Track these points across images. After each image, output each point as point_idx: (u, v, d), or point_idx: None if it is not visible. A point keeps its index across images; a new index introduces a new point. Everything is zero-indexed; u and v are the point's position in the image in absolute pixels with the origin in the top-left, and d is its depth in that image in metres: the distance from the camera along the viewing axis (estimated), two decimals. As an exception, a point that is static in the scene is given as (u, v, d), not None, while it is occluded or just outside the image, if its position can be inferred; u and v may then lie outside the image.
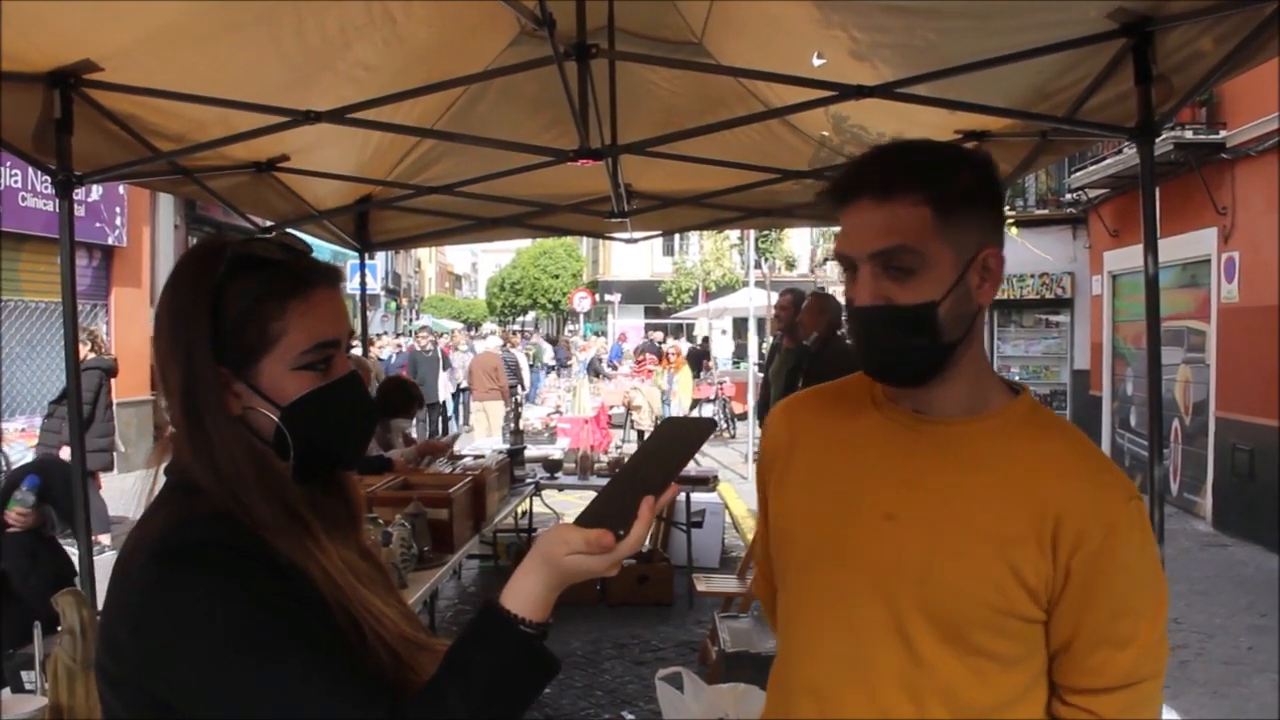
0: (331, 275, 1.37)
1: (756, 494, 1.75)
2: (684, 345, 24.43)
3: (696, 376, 22.47)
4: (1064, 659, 1.43)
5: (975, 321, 1.46)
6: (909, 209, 1.38)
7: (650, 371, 19.78)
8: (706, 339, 28.36)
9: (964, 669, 1.41)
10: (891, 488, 1.46)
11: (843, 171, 1.47)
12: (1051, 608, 1.41)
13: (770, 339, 13.88)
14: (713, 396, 19.74)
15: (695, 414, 17.11)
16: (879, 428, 1.52)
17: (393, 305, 40.58)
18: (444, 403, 18.75)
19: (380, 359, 17.20)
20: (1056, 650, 1.43)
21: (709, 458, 14.62)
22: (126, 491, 9.44)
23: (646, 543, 7.87)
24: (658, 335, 25.55)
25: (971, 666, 1.41)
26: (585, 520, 1.25)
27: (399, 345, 19.92)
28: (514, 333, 28.42)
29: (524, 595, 1.23)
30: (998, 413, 1.48)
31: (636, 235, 6.67)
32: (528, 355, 25.40)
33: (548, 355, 29.67)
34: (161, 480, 1.35)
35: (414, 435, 7.08)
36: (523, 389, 17.16)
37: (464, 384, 19.28)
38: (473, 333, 28.03)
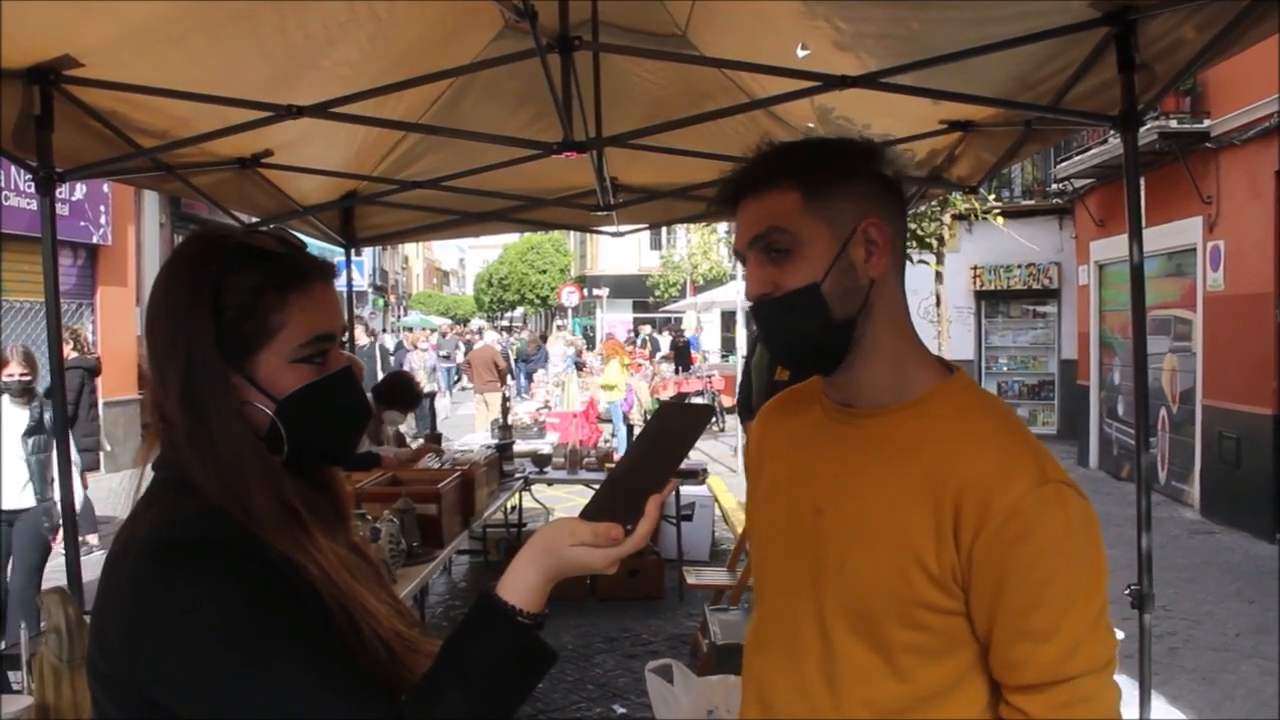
0: (327, 270, 1.37)
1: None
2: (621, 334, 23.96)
3: (685, 370, 22.49)
4: (991, 654, 1.39)
5: (872, 296, 1.45)
6: (779, 195, 1.44)
7: (639, 366, 19.76)
8: (682, 333, 28.23)
9: (877, 660, 1.41)
10: (823, 483, 1.49)
11: (725, 182, 1.53)
12: (967, 597, 1.37)
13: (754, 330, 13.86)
14: (701, 390, 19.76)
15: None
16: (819, 424, 1.56)
17: (380, 302, 40.53)
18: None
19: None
20: (984, 644, 1.39)
21: (698, 450, 14.63)
22: (114, 491, 9.40)
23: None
24: (644, 327, 25.52)
25: (885, 658, 1.41)
26: (590, 514, 1.25)
27: None
28: (503, 329, 28.47)
29: (521, 586, 1.23)
30: (924, 397, 1.47)
31: (623, 228, 6.65)
32: (512, 350, 25.38)
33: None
34: (149, 477, 1.34)
35: (404, 431, 7.06)
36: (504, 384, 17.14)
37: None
38: (462, 328, 28.04)
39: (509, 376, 19.38)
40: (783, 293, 1.44)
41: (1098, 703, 1.35)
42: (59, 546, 4.19)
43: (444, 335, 28.82)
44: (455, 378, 25.90)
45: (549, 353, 24.21)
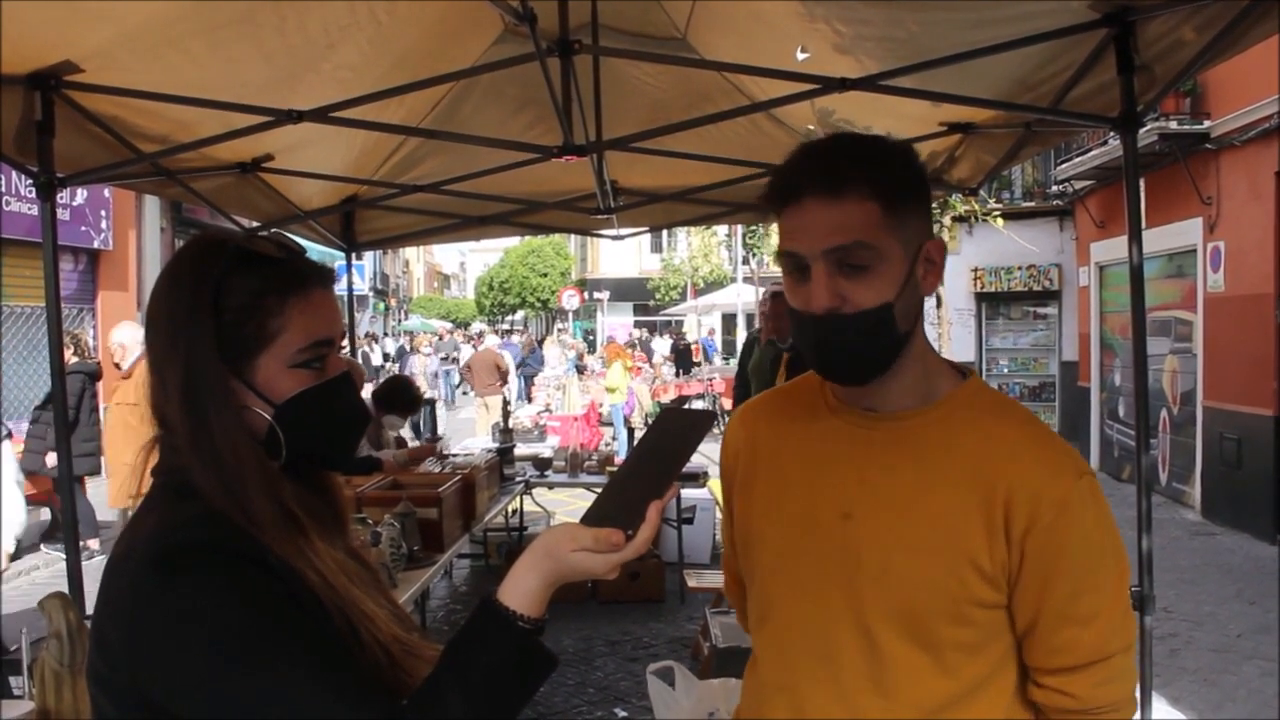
0: (327, 276, 1.38)
1: (722, 500, 1.77)
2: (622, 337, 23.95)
3: (686, 373, 22.50)
4: (1030, 640, 1.44)
5: (921, 311, 1.49)
6: (859, 205, 1.37)
7: (639, 369, 19.75)
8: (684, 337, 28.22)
9: (927, 660, 1.43)
10: (848, 487, 1.48)
11: (784, 170, 1.44)
12: (1011, 591, 1.42)
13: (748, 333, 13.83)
14: (703, 393, 19.75)
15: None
16: (834, 430, 1.54)
17: (381, 306, 40.54)
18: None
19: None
20: (1023, 632, 1.44)
21: (699, 453, 14.60)
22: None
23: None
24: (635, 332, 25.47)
25: (934, 657, 1.43)
26: (591, 520, 1.25)
27: None
28: (504, 332, 28.50)
29: (522, 591, 1.23)
30: (945, 400, 1.49)
31: (623, 232, 6.66)
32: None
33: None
34: (148, 482, 1.34)
35: (405, 436, 7.06)
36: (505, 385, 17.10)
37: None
38: (464, 332, 28.03)
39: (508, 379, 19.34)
40: (855, 310, 1.38)
41: (1128, 678, 1.46)
42: (60, 551, 4.16)
43: (441, 338, 28.79)
44: (457, 382, 25.88)
45: (543, 356, 24.14)
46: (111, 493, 7.31)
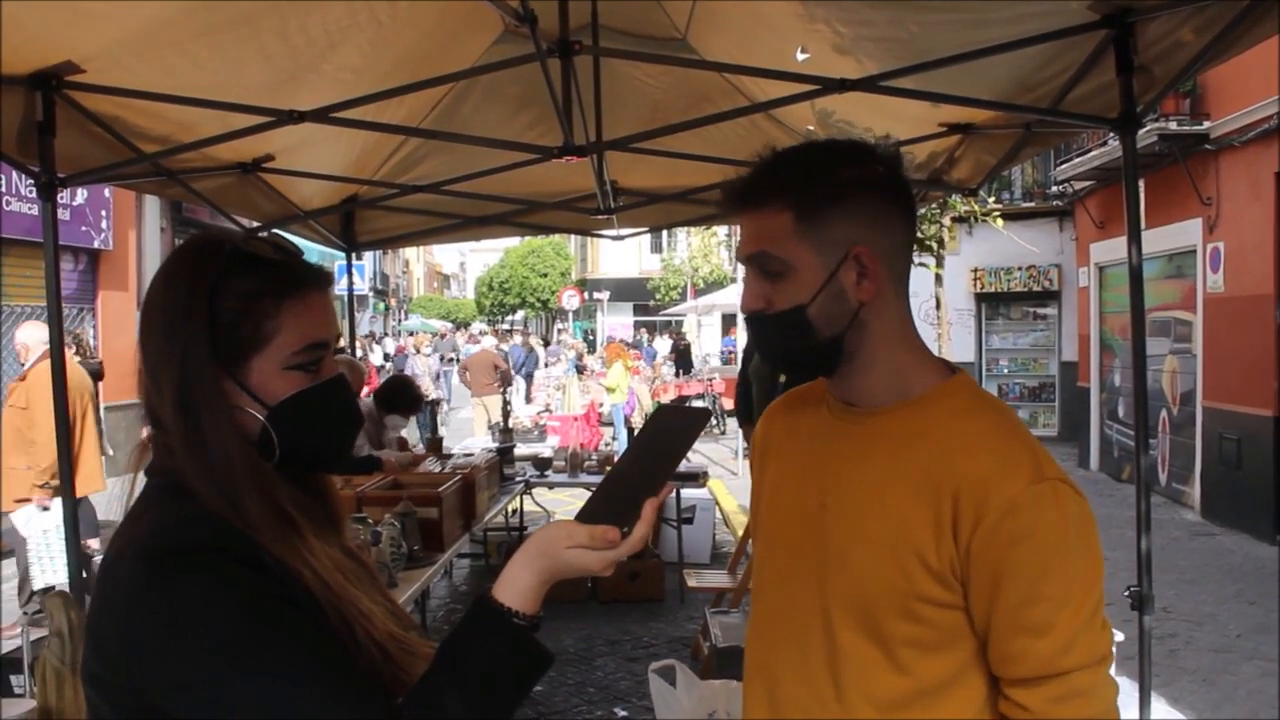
0: (323, 278, 1.38)
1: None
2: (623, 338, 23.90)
3: (686, 374, 22.49)
4: (989, 648, 1.40)
5: (863, 315, 1.47)
6: (773, 216, 1.46)
7: (637, 369, 19.74)
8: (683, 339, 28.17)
9: (877, 653, 1.43)
10: (826, 479, 1.52)
11: (731, 183, 1.54)
12: (965, 591, 1.39)
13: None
14: (702, 393, 19.76)
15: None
16: (824, 423, 1.58)
17: (381, 306, 40.52)
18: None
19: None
20: (982, 638, 1.41)
21: (699, 453, 14.63)
22: (115, 495, 9.40)
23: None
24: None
25: (885, 651, 1.43)
26: (586, 517, 1.26)
27: None
28: (505, 332, 28.49)
29: (517, 588, 1.24)
30: (923, 397, 1.49)
31: (623, 232, 6.67)
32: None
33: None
34: (142, 481, 1.35)
35: (406, 436, 7.07)
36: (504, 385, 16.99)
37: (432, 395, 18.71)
38: (463, 332, 27.98)
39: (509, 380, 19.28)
40: (773, 311, 1.47)
41: (1094, 697, 1.37)
42: (60, 551, 4.17)
43: (442, 337, 28.77)
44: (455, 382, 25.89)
45: (539, 355, 24.11)
46: (3, 496, 6.87)
